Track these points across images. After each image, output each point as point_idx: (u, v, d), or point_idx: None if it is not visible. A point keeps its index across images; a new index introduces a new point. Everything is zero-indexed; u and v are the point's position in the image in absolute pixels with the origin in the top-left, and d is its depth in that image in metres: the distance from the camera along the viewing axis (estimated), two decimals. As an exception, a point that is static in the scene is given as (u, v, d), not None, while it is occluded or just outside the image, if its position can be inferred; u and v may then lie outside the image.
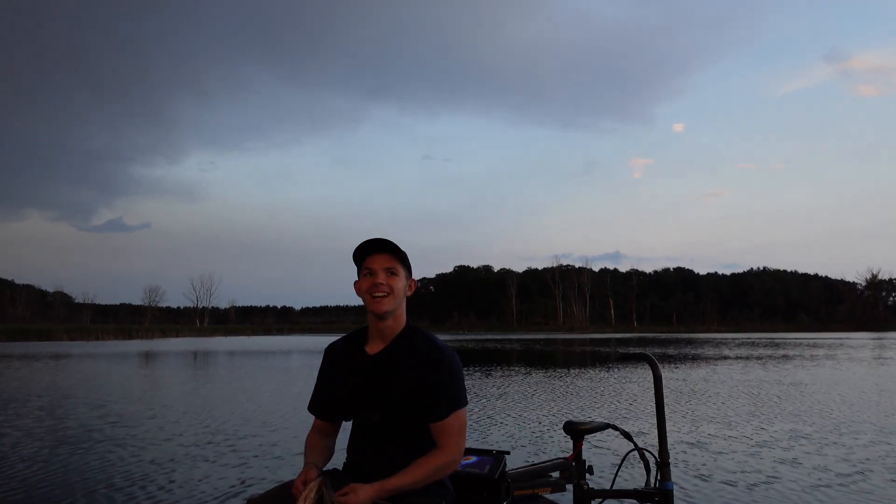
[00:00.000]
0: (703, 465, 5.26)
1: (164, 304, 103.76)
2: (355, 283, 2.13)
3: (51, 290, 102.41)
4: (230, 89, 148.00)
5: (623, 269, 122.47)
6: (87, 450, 6.05)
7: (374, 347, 2.10)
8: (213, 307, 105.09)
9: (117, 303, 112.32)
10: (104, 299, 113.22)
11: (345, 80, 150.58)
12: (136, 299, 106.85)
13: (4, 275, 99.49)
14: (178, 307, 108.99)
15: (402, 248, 2.11)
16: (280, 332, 78.74)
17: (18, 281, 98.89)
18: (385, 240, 2.06)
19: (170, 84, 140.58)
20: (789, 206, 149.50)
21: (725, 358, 21.38)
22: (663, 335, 63.27)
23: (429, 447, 2.03)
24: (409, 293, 2.11)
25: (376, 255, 2.06)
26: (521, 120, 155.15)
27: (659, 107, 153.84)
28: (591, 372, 15.74)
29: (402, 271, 2.06)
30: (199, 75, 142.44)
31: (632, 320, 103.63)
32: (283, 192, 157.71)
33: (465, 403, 2.07)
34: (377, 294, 2.02)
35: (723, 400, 9.65)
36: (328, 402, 2.17)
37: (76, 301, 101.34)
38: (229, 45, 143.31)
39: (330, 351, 2.23)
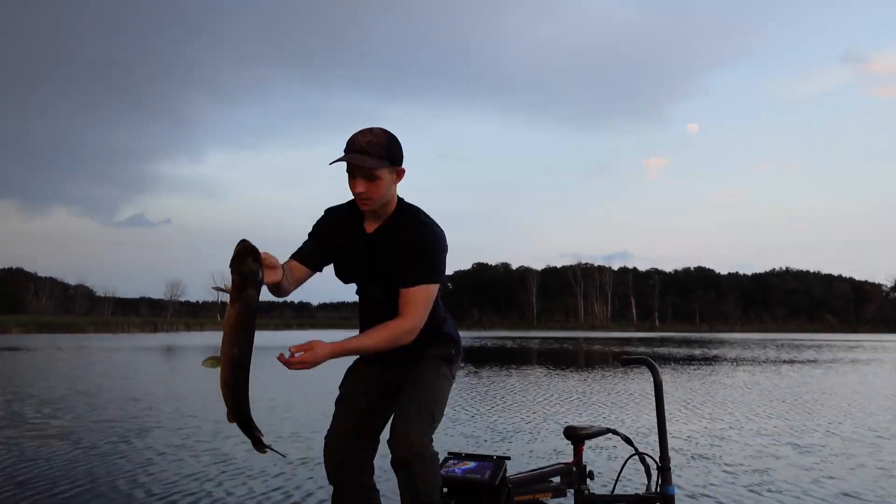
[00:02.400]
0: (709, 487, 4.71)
1: (183, 299, 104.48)
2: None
3: (73, 283, 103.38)
4: (249, 89, 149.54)
5: (645, 268, 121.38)
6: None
7: (370, 225, 2.20)
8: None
9: (137, 296, 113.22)
10: (124, 293, 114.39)
11: (361, 80, 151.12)
12: (156, 293, 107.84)
13: (29, 268, 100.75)
14: (198, 301, 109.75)
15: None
16: (301, 326, 78.85)
17: (42, 274, 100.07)
18: (363, 143, 2.04)
19: (191, 84, 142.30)
20: (807, 206, 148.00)
21: (758, 360, 20.78)
22: (689, 334, 62.64)
23: (432, 320, 2.19)
24: (396, 182, 2.15)
25: (355, 160, 2.05)
26: (536, 119, 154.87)
27: (674, 107, 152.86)
28: (594, 373, 15.31)
29: (384, 171, 2.06)
30: (219, 76, 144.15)
31: (653, 319, 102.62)
32: (301, 189, 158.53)
33: (437, 283, 2.16)
34: (359, 199, 2.10)
35: (756, 407, 9.10)
36: (308, 255, 2.22)
37: (97, 294, 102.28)
38: (249, 46, 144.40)
39: (330, 215, 2.28)
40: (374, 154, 2.04)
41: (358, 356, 2.33)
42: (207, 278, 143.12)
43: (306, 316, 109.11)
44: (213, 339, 38.82)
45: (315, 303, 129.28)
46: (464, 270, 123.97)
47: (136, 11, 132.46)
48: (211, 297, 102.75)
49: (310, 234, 2.29)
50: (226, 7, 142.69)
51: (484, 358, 21.58)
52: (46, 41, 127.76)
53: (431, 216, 2.25)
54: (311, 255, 2.25)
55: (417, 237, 2.15)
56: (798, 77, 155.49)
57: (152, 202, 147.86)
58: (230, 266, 1.86)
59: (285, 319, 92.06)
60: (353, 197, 2.20)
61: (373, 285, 2.24)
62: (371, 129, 2.08)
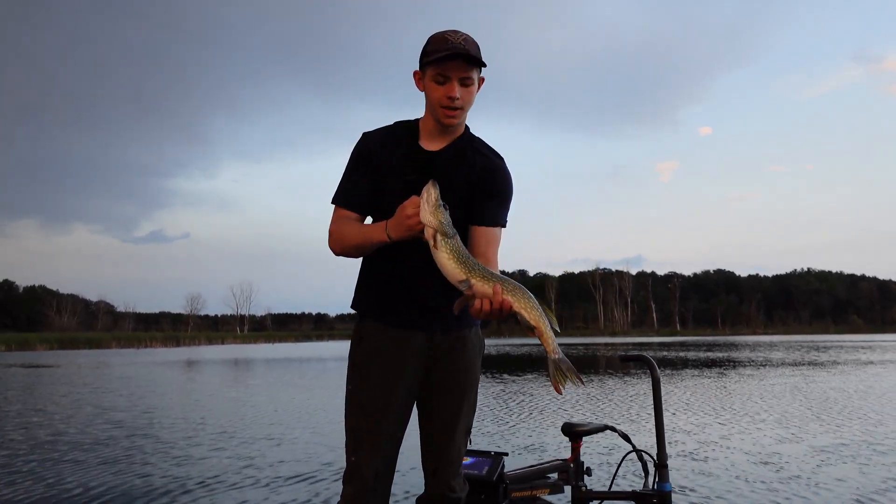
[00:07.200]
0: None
1: (203, 312, 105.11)
2: (415, 73, 1.83)
3: (94, 299, 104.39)
4: (262, 104, 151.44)
5: (659, 272, 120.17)
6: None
7: (432, 144, 1.85)
8: (250, 314, 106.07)
9: (157, 311, 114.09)
10: (145, 308, 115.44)
11: (370, 91, 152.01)
12: (176, 307, 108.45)
13: (51, 286, 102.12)
14: (216, 315, 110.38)
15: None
16: (321, 338, 79.01)
17: (63, 291, 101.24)
18: (467, 45, 1.72)
19: (205, 101, 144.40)
20: (824, 206, 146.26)
21: (770, 363, 20.23)
22: (709, 338, 61.62)
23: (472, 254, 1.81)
24: (476, 92, 1.87)
25: (455, 62, 1.72)
26: (546, 126, 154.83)
27: (685, 111, 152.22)
28: (595, 373, 15.21)
29: (476, 77, 1.78)
30: (232, 92, 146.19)
31: (674, 323, 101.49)
32: (314, 201, 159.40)
33: (505, 225, 1.93)
34: (450, 107, 1.76)
35: (757, 408, 8.65)
36: (366, 194, 1.85)
37: (118, 310, 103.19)
38: (261, 62, 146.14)
39: (369, 140, 1.88)
40: (474, 54, 1.73)
41: (373, 317, 1.94)
42: (226, 292, 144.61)
43: (325, 327, 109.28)
44: (233, 352, 38.87)
45: (333, 314, 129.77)
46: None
47: (153, 31, 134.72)
48: (230, 310, 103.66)
49: (352, 171, 1.88)
50: (238, 24, 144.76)
51: (486, 362, 21.20)
52: (63, 61, 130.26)
53: None
54: (364, 200, 1.86)
55: (495, 167, 1.87)
56: (810, 77, 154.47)
57: (170, 217, 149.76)
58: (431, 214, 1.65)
59: (304, 331, 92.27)
60: (392, 122, 1.92)
61: None
62: (457, 31, 1.76)
